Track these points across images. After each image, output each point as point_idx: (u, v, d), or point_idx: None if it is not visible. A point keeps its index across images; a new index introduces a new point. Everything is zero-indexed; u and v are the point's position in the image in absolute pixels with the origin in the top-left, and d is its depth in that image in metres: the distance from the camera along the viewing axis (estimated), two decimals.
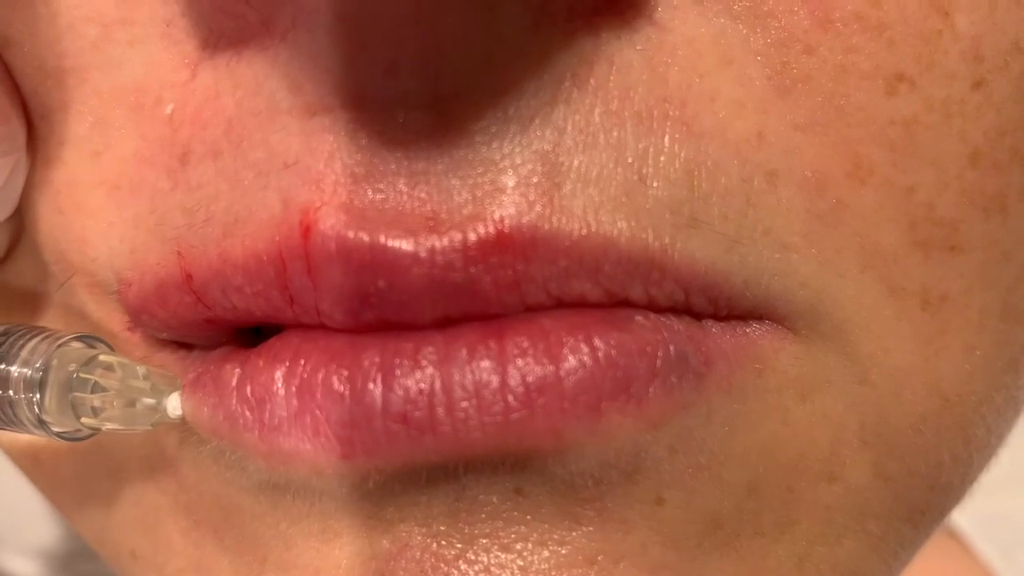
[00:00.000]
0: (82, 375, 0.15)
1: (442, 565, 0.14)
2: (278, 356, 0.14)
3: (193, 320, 0.15)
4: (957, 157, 0.14)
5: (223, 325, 0.15)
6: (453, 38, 0.13)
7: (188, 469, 0.16)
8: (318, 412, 0.14)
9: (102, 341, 0.16)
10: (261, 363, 0.14)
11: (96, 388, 0.15)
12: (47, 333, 0.15)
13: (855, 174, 0.14)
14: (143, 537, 0.17)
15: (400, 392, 0.13)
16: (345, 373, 0.14)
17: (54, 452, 0.18)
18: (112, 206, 0.15)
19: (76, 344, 0.15)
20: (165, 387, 0.15)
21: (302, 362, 0.14)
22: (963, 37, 0.14)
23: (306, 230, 0.13)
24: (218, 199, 0.14)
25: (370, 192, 0.13)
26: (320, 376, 0.14)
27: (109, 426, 0.15)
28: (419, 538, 0.14)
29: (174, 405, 0.15)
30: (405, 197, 0.13)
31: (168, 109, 0.14)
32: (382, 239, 0.13)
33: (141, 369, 0.15)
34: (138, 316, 0.15)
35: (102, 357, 0.15)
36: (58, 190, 0.15)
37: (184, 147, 0.14)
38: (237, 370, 0.15)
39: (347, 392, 0.14)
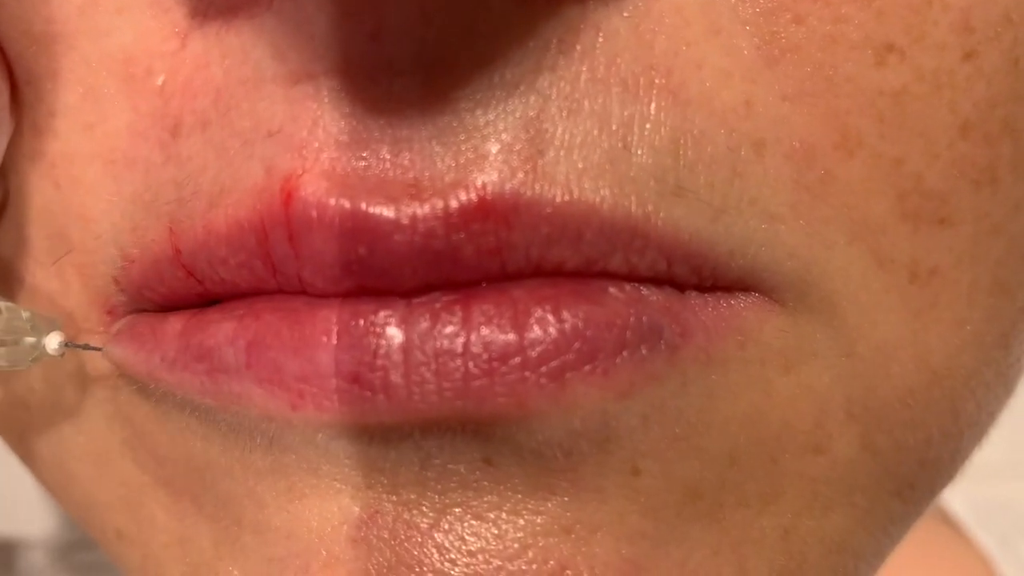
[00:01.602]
0: None
1: (416, 534, 0.14)
2: (231, 311, 0.14)
3: (187, 294, 0.15)
4: (947, 129, 0.14)
5: (215, 299, 0.15)
6: (438, 6, 0.13)
7: (158, 434, 0.16)
8: (270, 363, 0.14)
9: None
10: (216, 316, 0.14)
11: None
12: None
13: (843, 145, 0.14)
14: (127, 516, 0.17)
15: (355, 352, 0.13)
16: (298, 330, 0.14)
17: (37, 432, 0.18)
18: (109, 181, 0.15)
19: None
20: (46, 328, 0.16)
21: (256, 317, 0.14)
22: (953, 8, 0.14)
23: (287, 197, 0.13)
24: (206, 170, 0.14)
25: (352, 159, 0.13)
26: (273, 331, 0.14)
27: None
28: (389, 505, 0.14)
29: (53, 343, 0.16)
30: (388, 164, 0.13)
31: (159, 80, 0.14)
32: (363, 206, 0.13)
33: (25, 313, 0.16)
34: (140, 292, 0.15)
35: None
36: (53, 163, 0.15)
37: (175, 119, 0.14)
38: (184, 320, 0.15)
39: (299, 346, 0.14)
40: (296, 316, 0.14)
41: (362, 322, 0.13)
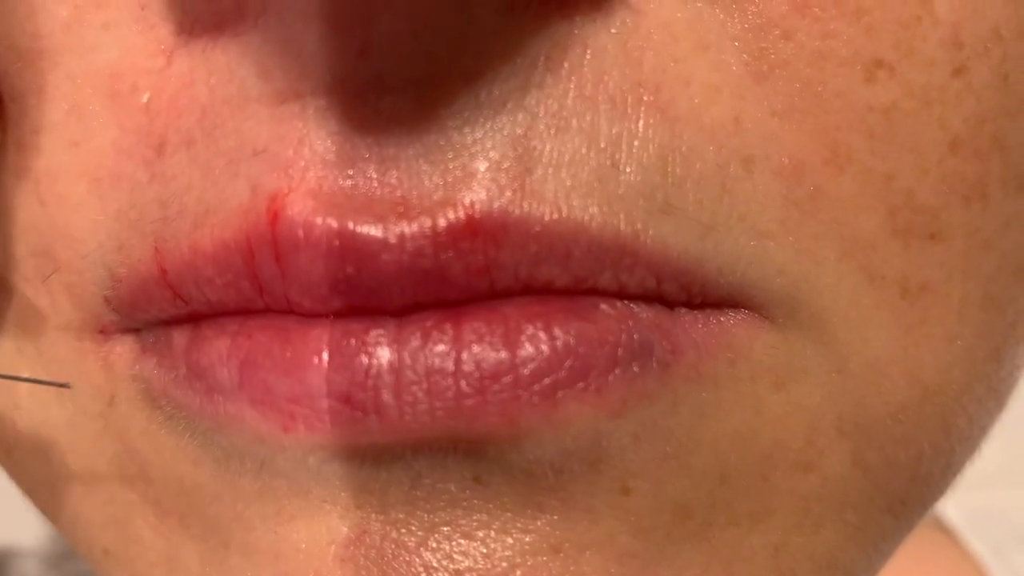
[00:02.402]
0: None
1: (403, 552, 0.14)
2: (225, 328, 0.14)
3: (175, 316, 0.15)
4: (937, 144, 0.14)
5: (202, 320, 0.15)
6: (426, 21, 0.13)
7: (150, 453, 0.16)
8: (261, 384, 0.14)
9: None
10: (210, 334, 0.14)
11: None
12: None
13: (833, 161, 0.14)
14: (114, 535, 0.17)
15: (346, 372, 0.13)
16: (289, 350, 0.14)
17: (24, 450, 0.18)
18: (94, 200, 0.15)
19: None
20: None
21: (248, 336, 0.14)
22: (942, 23, 0.14)
23: (274, 217, 0.13)
24: (190, 190, 0.14)
25: (339, 178, 0.13)
26: (264, 351, 0.14)
27: None
28: (377, 525, 0.14)
29: None
30: (375, 183, 0.13)
31: (145, 97, 0.14)
32: (351, 225, 0.13)
33: None
34: (132, 313, 0.15)
35: None
36: (38, 180, 0.15)
37: (160, 137, 0.14)
38: (187, 335, 0.15)
39: (290, 367, 0.14)
40: (287, 336, 0.14)
41: (353, 341, 0.13)
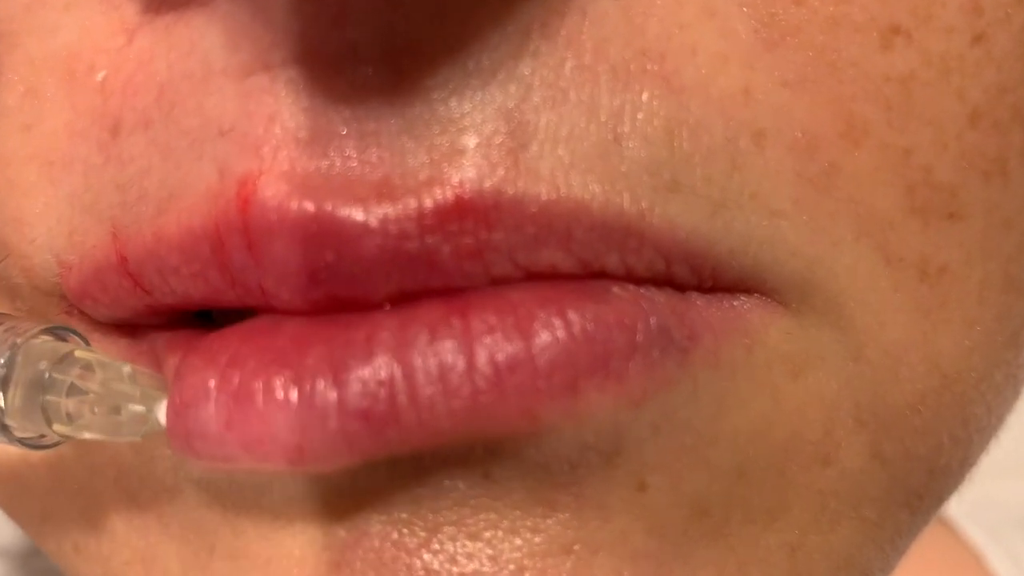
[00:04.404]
0: (55, 375, 0.13)
1: (403, 555, 0.13)
2: (214, 359, 0.13)
3: (135, 306, 0.14)
4: (956, 117, 0.13)
5: (166, 311, 0.14)
6: None
7: (130, 457, 0.15)
8: (257, 420, 0.12)
9: (75, 333, 0.14)
10: (198, 363, 0.13)
11: (72, 390, 0.13)
12: (8, 323, 0.14)
13: (849, 134, 0.13)
14: (85, 529, 0.16)
15: (356, 387, 0.12)
16: (289, 374, 0.12)
17: None
18: (46, 184, 0.14)
19: (45, 337, 0.14)
20: (155, 391, 0.13)
21: (239, 365, 0.13)
22: None
23: (244, 202, 0.12)
24: (151, 173, 0.13)
25: (315, 157, 0.12)
26: (260, 382, 0.12)
27: (87, 435, 0.13)
28: (378, 526, 0.13)
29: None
30: (354, 162, 0.12)
31: (100, 76, 0.13)
32: (329, 208, 0.12)
33: (126, 368, 0.13)
34: (81, 301, 0.14)
35: (78, 354, 0.13)
36: None
37: (114, 117, 0.13)
38: (176, 358, 0.14)
39: (293, 396, 0.12)
40: (285, 359, 0.12)
41: (358, 352, 0.12)
